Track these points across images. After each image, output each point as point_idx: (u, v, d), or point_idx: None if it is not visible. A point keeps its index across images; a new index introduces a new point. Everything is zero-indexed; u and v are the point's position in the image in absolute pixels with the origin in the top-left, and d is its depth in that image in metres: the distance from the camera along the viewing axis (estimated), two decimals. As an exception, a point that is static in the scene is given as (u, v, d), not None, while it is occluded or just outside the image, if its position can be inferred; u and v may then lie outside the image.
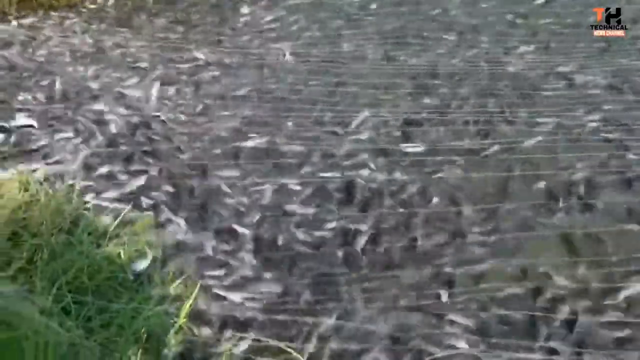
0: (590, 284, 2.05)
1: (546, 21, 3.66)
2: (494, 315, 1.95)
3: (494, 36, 3.50)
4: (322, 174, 2.50)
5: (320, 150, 2.63)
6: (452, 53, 3.35)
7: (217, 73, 3.15)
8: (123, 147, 2.61)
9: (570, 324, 1.93)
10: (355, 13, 3.76)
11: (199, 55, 3.29)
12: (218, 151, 2.61)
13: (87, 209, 2.20)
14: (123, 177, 2.45)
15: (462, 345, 1.86)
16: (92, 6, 3.79)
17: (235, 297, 1.99)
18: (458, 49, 3.39)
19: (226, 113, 2.85)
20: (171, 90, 3.00)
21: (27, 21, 3.57)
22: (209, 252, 2.14)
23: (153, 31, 3.54)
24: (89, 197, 2.29)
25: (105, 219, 2.16)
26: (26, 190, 2.18)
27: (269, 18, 3.69)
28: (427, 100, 2.96)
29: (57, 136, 2.65)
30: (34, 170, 2.37)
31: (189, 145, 2.64)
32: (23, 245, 1.97)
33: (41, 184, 2.24)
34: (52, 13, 3.67)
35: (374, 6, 3.84)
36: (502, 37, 3.50)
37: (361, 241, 2.21)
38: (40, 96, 2.92)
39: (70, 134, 2.67)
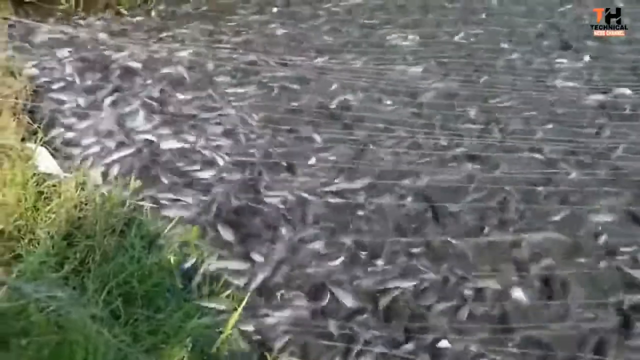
0: None
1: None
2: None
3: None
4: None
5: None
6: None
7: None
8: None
9: None
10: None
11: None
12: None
13: (141, 212, 2.21)
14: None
15: None
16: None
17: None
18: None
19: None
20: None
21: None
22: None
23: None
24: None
25: (158, 224, 2.17)
26: (82, 190, 2.20)
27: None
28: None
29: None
30: (90, 168, 2.40)
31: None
32: (77, 246, 1.98)
33: (97, 185, 2.26)
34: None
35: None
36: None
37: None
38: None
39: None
